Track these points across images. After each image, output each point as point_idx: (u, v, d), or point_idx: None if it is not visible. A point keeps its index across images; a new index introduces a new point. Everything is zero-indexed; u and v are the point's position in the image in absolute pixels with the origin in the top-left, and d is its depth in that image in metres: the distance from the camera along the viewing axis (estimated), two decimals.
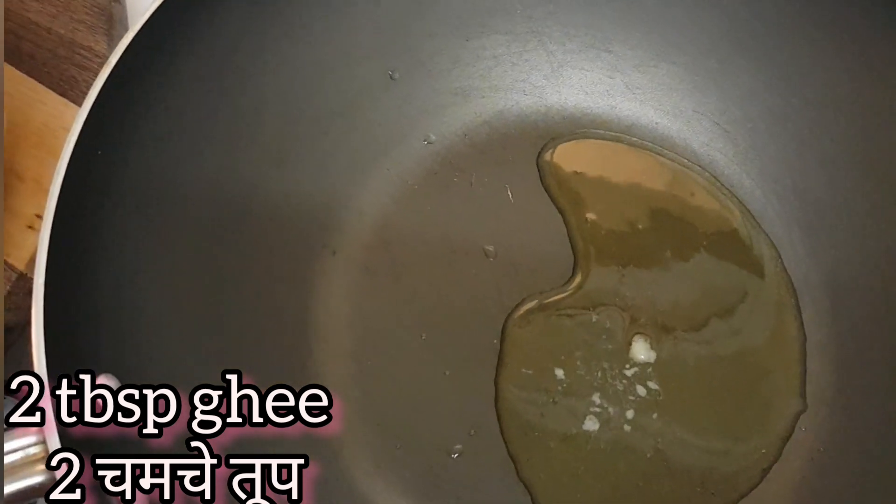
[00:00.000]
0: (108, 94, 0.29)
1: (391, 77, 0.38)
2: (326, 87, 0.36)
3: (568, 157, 0.38)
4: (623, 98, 0.39)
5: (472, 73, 0.39)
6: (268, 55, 0.34)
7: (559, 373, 0.34)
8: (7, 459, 0.25)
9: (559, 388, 0.33)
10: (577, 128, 0.38)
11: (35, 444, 0.25)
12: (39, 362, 0.24)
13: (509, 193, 0.37)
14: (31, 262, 0.33)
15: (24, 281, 0.32)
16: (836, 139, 0.36)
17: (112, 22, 0.38)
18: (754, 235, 0.36)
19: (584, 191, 0.37)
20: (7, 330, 0.33)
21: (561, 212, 0.37)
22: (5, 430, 0.26)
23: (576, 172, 0.37)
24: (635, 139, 0.38)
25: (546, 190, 0.37)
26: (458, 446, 0.32)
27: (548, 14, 0.38)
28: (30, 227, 0.33)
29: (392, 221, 0.37)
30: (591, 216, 0.36)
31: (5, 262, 0.33)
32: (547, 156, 0.37)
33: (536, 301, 0.35)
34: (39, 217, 0.33)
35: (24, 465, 0.25)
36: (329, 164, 0.36)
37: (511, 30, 0.38)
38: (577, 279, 0.35)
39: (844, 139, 0.35)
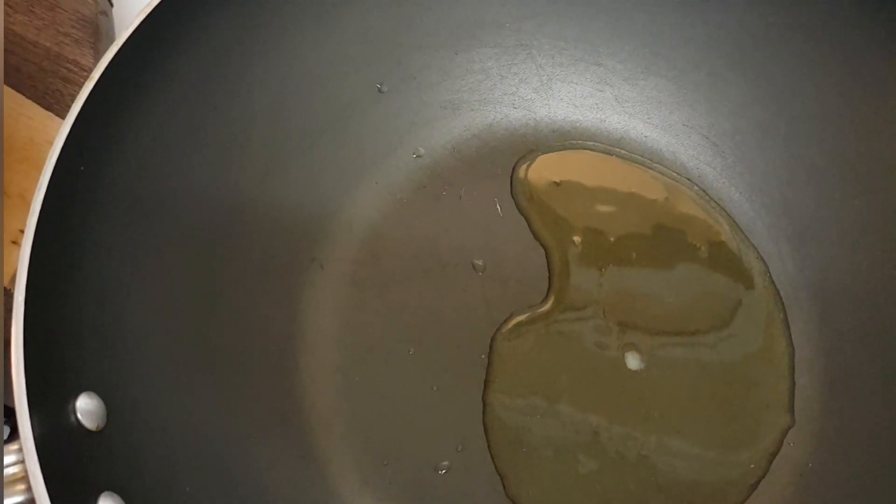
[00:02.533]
0: (91, 108, 0.28)
1: (380, 90, 0.37)
2: (315, 100, 0.36)
3: (544, 171, 0.38)
4: (612, 111, 0.39)
5: (462, 86, 0.39)
6: (255, 68, 0.34)
7: (547, 387, 0.33)
8: None
9: (547, 402, 0.33)
10: (567, 141, 0.38)
11: (14, 464, 0.25)
12: (18, 381, 0.24)
13: (498, 207, 0.37)
14: (16, 278, 0.32)
15: (8, 297, 0.32)
16: (825, 152, 0.36)
17: (98, 35, 0.38)
18: (743, 249, 0.36)
19: (560, 204, 0.37)
20: None
21: (531, 227, 0.37)
22: None
23: (554, 185, 0.37)
24: (624, 152, 0.38)
25: (516, 205, 0.37)
26: (446, 462, 0.32)
27: (537, 27, 0.38)
28: (14, 242, 0.33)
29: (381, 235, 0.36)
30: (571, 231, 0.36)
31: None
32: (521, 171, 0.37)
33: (523, 315, 0.35)
34: (24, 233, 0.33)
35: (5, 486, 0.25)
36: (318, 177, 0.36)
37: (500, 43, 0.38)
38: (554, 293, 0.35)
39: (833, 152, 0.35)
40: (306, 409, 0.33)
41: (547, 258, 0.36)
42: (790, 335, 0.35)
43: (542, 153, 0.38)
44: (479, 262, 0.36)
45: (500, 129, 0.39)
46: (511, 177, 0.38)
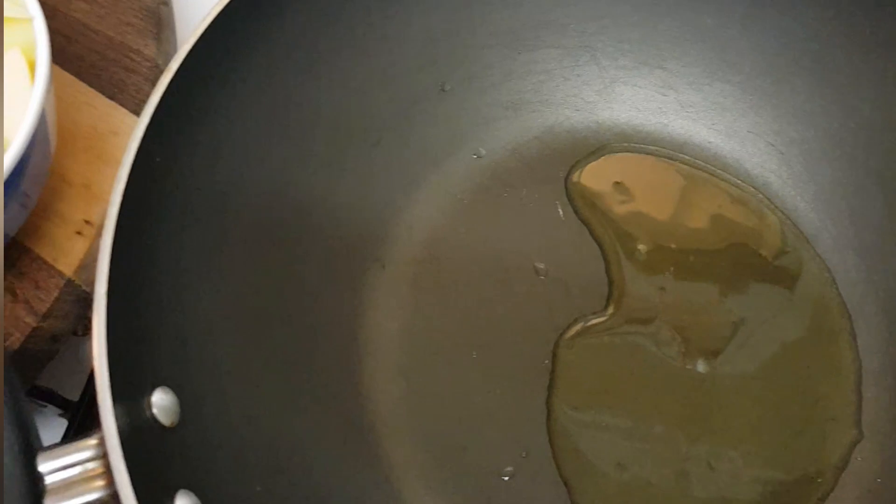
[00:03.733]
0: (167, 102, 0.28)
1: (443, 89, 0.37)
2: (380, 99, 0.36)
3: (603, 175, 0.37)
4: (676, 116, 0.38)
5: (524, 87, 0.38)
6: (323, 65, 0.34)
7: (611, 395, 0.33)
8: (65, 475, 0.24)
9: (611, 411, 0.33)
10: (629, 144, 0.38)
11: (91, 460, 0.25)
12: (101, 373, 0.24)
13: (560, 211, 0.37)
14: (80, 268, 0.32)
15: (72, 287, 0.32)
16: (894, 162, 0.35)
17: (161, 25, 0.38)
18: (808, 259, 0.36)
19: (620, 209, 0.37)
20: (52, 338, 0.32)
21: (592, 233, 0.36)
22: (62, 445, 0.25)
23: (613, 190, 0.37)
24: (687, 157, 0.38)
25: (574, 210, 0.37)
26: (510, 468, 0.32)
27: (601, 29, 0.38)
28: (78, 232, 0.33)
29: (441, 236, 0.36)
30: (632, 237, 0.36)
31: (53, 268, 0.32)
32: (574, 175, 0.37)
33: (586, 322, 0.34)
34: (88, 223, 0.33)
35: (82, 482, 0.24)
36: (380, 176, 0.36)
37: (563, 44, 0.38)
38: (614, 301, 0.35)
39: None
40: (369, 411, 0.32)
41: (606, 264, 0.36)
42: (857, 348, 0.34)
43: (601, 156, 0.38)
44: (542, 266, 0.35)
45: (561, 132, 0.38)
46: (567, 180, 0.37)
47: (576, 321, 0.34)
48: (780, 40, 0.36)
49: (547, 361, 0.33)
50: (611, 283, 0.35)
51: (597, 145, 0.38)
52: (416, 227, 0.36)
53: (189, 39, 0.29)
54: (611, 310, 0.34)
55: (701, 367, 0.33)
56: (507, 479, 0.31)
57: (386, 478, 0.31)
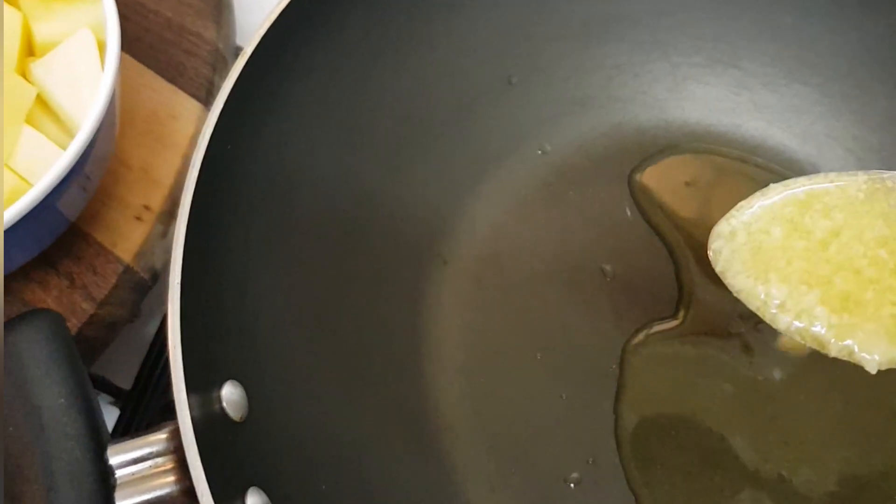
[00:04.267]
0: (240, 89, 0.27)
1: (509, 82, 0.36)
2: (443, 91, 0.35)
3: (671, 175, 0.36)
4: (749, 117, 0.37)
5: (592, 81, 0.37)
6: (387, 56, 0.33)
7: (681, 404, 0.32)
8: (135, 468, 0.24)
9: (681, 419, 0.32)
10: (699, 144, 0.37)
11: (163, 454, 0.24)
12: (176, 366, 0.23)
13: (627, 210, 0.36)
14: (139, 255, 0.31)
15: (130, 274, 0.31)
16: None
17: (220, 8, 0.37)
18: None
19: (688, 212, 0.36)
20: (110, 325, 0.31)
21: (659, 235, 0.35)
22: (133, 438, 0.24)
23: (683, 191, 0.36)
24: (761, 160, 0.36)
25: (639, 210, 0.35)
26: (576, 475, 0.31)
27: (675, 24, 0.37)
28: (137, 218, 0.32)
29: (504, 233, 0.35)
30: (702, 240, 0.35)
31: (112, 254, 0.31)
32: (639, 175, 0.36)
33: (655, 328, 0.33)
34: (148, 208, 0.32)
35: (153, 476, 0.24)
36: (442, 170, 0.35)
37: (635, 39, 0.37)
38: (684, 307, 0.33)
39: None
40: (430, 410, 0.31)
41: (676, 269, 0.34)
42: None
43: (669, 156, 0.37)
44: (608, 268, 0.34)
45: (629, 129, 0.37)
46: (631, 179, 0.36)
47: (644, 326, 0.33)
48: (862, 42, 0.35)
49: (614, 366, 0.32)
50: (680, 288, 0.34)
51: (666, 144, 0.37)
52: (478, 224, 0.35)
53: (263, 24, 0.28)
54: (681, 316, 0.33)
55: (777, 375, 0.32)
56: (572, 486, 0.30)
57: (449, 479, 0.30)
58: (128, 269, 0.31)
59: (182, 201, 0.25)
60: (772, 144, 0.37)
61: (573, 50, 0.37)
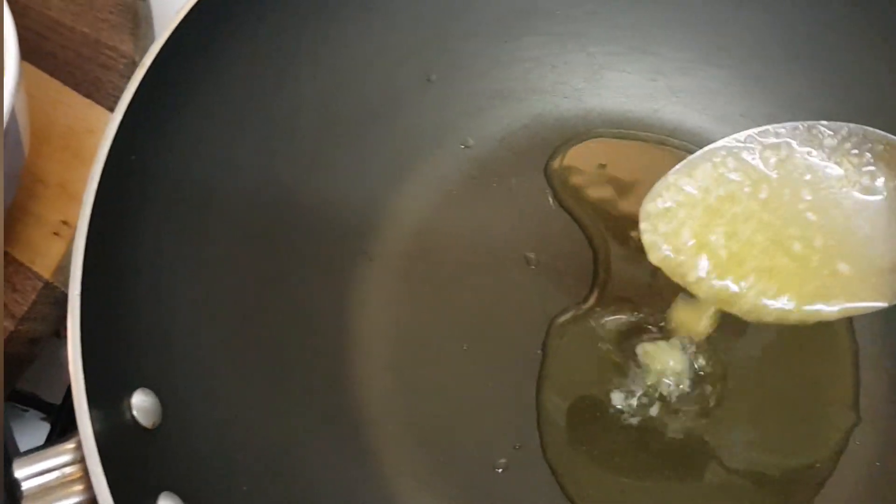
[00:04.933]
0: (141, 98, 0.27)
1: (429, 79, 0.36)
2: (363, 90, 0.35)
3: (583, 159, 0.37)
4: (666, 101, 0.38)
5: (511, 75, 0.38)
6: (303, 58, 0.33)
7: (603, 384, 0.32)
8: (42, 480, 0.24)
9: (605, 399, 0.32)
10: (618, 131, 0.37)
11: (70, 464, 0.24)
12: (77, 378, 0.23)
13: (550, 199, 0.36)
14: (58, 270, 0.31)
15: (50, 290, 0.31)
16: None
17: (137, 21, 0.37)
18: None
19: (604, 194, 0.36)
20: (31, 341, 0.31)
21: (575, 218, 0.35)
22: (39, 450, 0.24)
23: (597, 177, 0.36)
24: (678, 142, 0.37)
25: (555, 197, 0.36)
26: (503, 460, 0.31)
27: (589, 15, 0.37)
28: (55, 233, 0.32)
29: (430, 227, 0.35)
30: (620, 221, 0.35)
31: (30, 270, 0.31)
32: (554, 161, 0.36)
33: (572, 311, 0.33)
34: (66, 224, 0.32)
35: (60, 487, 0.24)
36: (366, 168, 0.35)
37: (551, 31, 0.37)
38: (598, 289, 0.34)
39: None
40: (359, 406, 0.31)
41: (593, 251, 0.35)
42: (853, 331, 0.34)
43: (582, 141, 0.37)
44: (532, 256, 0.35)
45: (550, 119, 0.38)
46: (547, 167, 0.36)
47: (562, 311, 0.33)
48: (771, 23, 0.36)
49: (539, 352, 0.33)
50: (596, 269, 0.34)
51: (586, 132, 0.37)
52: (404, 219, 0.35)
53: (162, 34, 0.28)
54: (594, 297, 0.34)
55: (696, 351, 0.32)
56: (500, 471, 0.31)
57: (377, 473, 0.30)
58: (47, 285, 0.31)
59: (81, 213, 0.25)
60: (689, 127, 0.37)
61: (490, 45, 0.37)
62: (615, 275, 0.34)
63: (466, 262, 0.35)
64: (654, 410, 0.31)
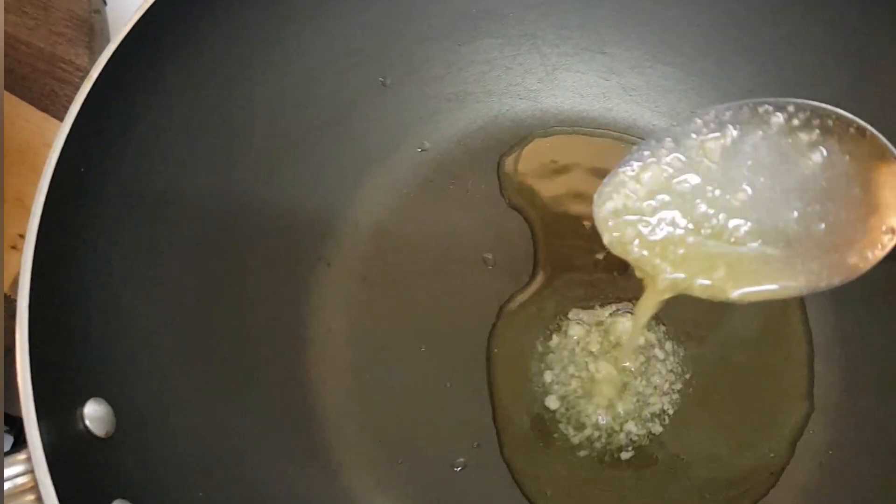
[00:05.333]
0: (90, 108, 0.28)
1: (383, 84, 0.37)
2: (318, 97, 0.36)
3: (531, 159, 0.37)
4: (619, 100, 0.38)
5: (466, 78, 0.38)
6: (255, 66, 0.34)
7: (552, 379, 0.33)
8: None
9: (558, 395, 0.33)
10: (573, 129, 0.38)
11: (22, 475, 0.24)
12: (25, 389, 0.23)
13: (525, 201, 0.36)
14: (16, 283, 0.31)
15: (9, 303, 0.31)
16: None
17: (93, 34, 0.37)
18: None
19: (555, 190, 0.37)
20: None
21: (524, 216, 0.36)
22: None
23: (546, 170, 0.37)
24: (633, 139, 0.38)
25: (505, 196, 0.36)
26: (462, 459, 0.31)
27: (541, 16, 0.38)
28: (13, 247, 0.32)
29: (388, 231, 0.36)
30: (568, 215, 0.36)
31: None
32: (506, 161, 0.37)
33: (516, 304, 0.34)
34: (23, 237, 0.32)
35: (11, 497, 0.24)
36: (322, 174, 0.36)
37: (504, 33, 0.38)
38: (540, 278, 0.34)
39: None
40: (318, 410, 0.32)
41: (534, 242, 0.35)
42: (808, 321, 0.34)
43: (531, 141, 0.37)
44: (490, 256, 0.35)
45: (505, 121, 0.38)
46: (498, 167, 0.37)
47: (503, 306, 0.34)
48: (719, 20, 0.36)
49: (497, 350, 0.33)
50: (536, 261, 0.35)
51: (541, 133, 0.38)
52: (361, 224, 0.36)
53: (110, 45, 0.29)
54: (534, 286, 0.34)
55: (651, 342, 0.33)
56: (459, 469, 0.31)
57: (336, 475, 0.31)
58: (6, 299, 0.31)
59: (29, 225, 0.25)
60: (642, 125, 0.38)
61: (445, 48, 0.37)
62: (557, 265, 0.34)
63: (424, 265, 0.35)
64: (607, 407, 0.32)
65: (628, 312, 0.33)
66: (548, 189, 0.36)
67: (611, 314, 0.33)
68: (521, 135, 0.38)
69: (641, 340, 0.32)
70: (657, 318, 0.34)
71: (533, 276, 0.34)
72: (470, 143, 0.38)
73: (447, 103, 0.38)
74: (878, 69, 0.34)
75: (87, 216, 0.28)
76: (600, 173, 0.32)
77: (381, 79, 0.37)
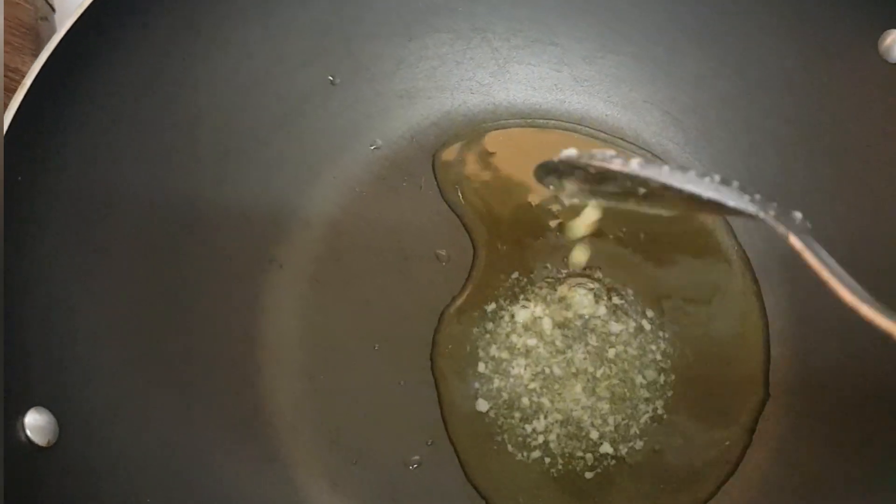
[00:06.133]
0: (26, 115, 0.27)
1: (332, 83, 0.37)
2: (265, 97, 0.35)
3: (469, 153, 0.37)
4: (572, 91, 0.38)
5: (417, 74, 0.38)
6: (198, 67, 0.33)
7: (498, 371, 0.33)
8: None
9: (503, 387, 0.32)
10: (526, 122, 0.38)
11: None
12: None
13: (460, 195, 0.36)
14: None
15: None
16: (788, 121, 0.35)
17: (39, 41, 0.37)
18: (712, 223, 0.36)
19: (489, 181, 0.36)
20: None
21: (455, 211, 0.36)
22: None
23: (482, 162, 0.37)
24: (586, 129, 0.37)
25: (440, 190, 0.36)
26: (416, 457, 0.31)
27: (491, 9, 0.37)
28: None
29: (341, 230, 0.36)
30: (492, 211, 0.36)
31: None
32: (441, 155, 0.37)
33: (460, 301, 0.34)
34: None
35: None
36: (272, 176, 0.35)
37: (454, 28, 0.38)
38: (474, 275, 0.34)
39: (796, 120, 0.35)
40: (270, 413, 0.32)
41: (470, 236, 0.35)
42: (764, 308, 0.34)
43: (489, 133, 0.37)
44: (443, 253, 0.35)
45: (458, 116, 0.38)
46: (434, 164, 0.37)
47: (446, 307, 0.34)
48: (668, 7, 0.36)
49: (451, 346, 0.33)
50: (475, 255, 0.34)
51: (494, 126, 0.38)
52: (314, 224, 0.35)
53: (43, 52, 0.28)
54: (470, 287, 0.34)
55: (602, 336, 0.33)
56: (414, 467, 0.31)
57: (289, 478, 0.30)
58: None
59: None
60: (595, 115, 0.38)
61: (394, 45, 0.37)
62: (486, 264, 0.34)
63: (378, 263, 0.35)
64: (555, 397, 0.32)
65: (577, 285, 0.33)
66: (481, 181, 0.36)
67: (551, 294, 0.33)
68: (474, 129, 0.38)
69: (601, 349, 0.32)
70: (611, 307, 0.34)
71: (472, 268, 0.34)
72: (423, 140, 0.37)
73: (398, 100, 0.38)
74: (828, 54, 0.33)
75: (25, 223, 0.28)
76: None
77: (329, 77, 0.36)
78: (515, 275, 0.34)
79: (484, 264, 0.34)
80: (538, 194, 0.35)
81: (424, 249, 0.35)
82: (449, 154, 0.36)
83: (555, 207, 0.35)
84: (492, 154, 0.36)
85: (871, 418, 0.29)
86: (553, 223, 0.35)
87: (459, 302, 0.33)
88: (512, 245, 0.34)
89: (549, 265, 0.34)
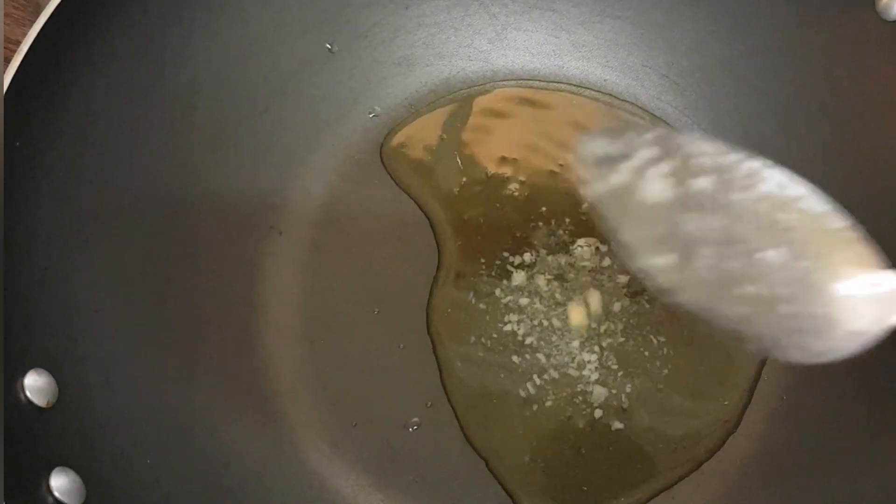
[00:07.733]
0: (22, 83, 0.27)
1: (330, 50, 0.36)
2: (263, 65, 0.35)
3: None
4: (570, 57, 0.38)
5: (415, 41, 0.38)
6: (196, 36, 0.33)
7: (503, 337, 0.33)
8: None
9: (505, 351, 0.32)
10: (524, 86, 0.38)
11: None
12: None
13: (458, 161, 0.36)
14: None
15: None
16: (786, 83, 0.35)
17: (38, 12, 0.37)
18: None
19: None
20: None
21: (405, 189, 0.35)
22: None
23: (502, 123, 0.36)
24: (588, 93, 0.37)
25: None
26: (416, 419, 0.31)
27: None
28: None
29: (340, 197, 0.36)
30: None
31: None
32: (391, 138, 0.36)
33: (458, 269, 0.34)
34: None
35: None
36: (271, 144, 0.35)
37: None
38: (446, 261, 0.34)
39: (794, 83, 0.34)
40: (271, 377, 0.32)
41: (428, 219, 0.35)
42: None
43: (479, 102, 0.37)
44: None
45: (457, 83, 0.38)
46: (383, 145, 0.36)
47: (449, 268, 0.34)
48: None
49: (450, 310, 0.33)
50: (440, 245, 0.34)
51: (493, 92, 0.37)
52: (313, 191, 0.35)
53: (39, 19, 0.29)
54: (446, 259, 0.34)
55: (597, 298, 0.33)
56: (412, 429, 0.31)
57: (289, 440, 0.31)
58: None
59: None
60: (594, 80, 0.37)
61: (391, 12, 0.37)
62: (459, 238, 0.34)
63: (376, 230, 0.35)
64: (556, 360, 0.32)
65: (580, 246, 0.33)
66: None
67: (544, 256, 0.33)
68: (472, 95, 0.38)
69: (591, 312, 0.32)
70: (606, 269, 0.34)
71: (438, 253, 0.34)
72: (421, 107, 0.37)
73: (396, 68, 0.37)
74: (826, 14, 0.33)
75: (27, 191, 0.28)
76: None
77: (327, 45, 0.36)
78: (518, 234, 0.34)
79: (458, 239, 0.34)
80: (539, 153, 0.35)
81: (422, 216, 0.35)
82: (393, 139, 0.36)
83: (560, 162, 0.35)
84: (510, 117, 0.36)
85: (872, 370, 0.29)
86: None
87: (457, 266, 0.34)
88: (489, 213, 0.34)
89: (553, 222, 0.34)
